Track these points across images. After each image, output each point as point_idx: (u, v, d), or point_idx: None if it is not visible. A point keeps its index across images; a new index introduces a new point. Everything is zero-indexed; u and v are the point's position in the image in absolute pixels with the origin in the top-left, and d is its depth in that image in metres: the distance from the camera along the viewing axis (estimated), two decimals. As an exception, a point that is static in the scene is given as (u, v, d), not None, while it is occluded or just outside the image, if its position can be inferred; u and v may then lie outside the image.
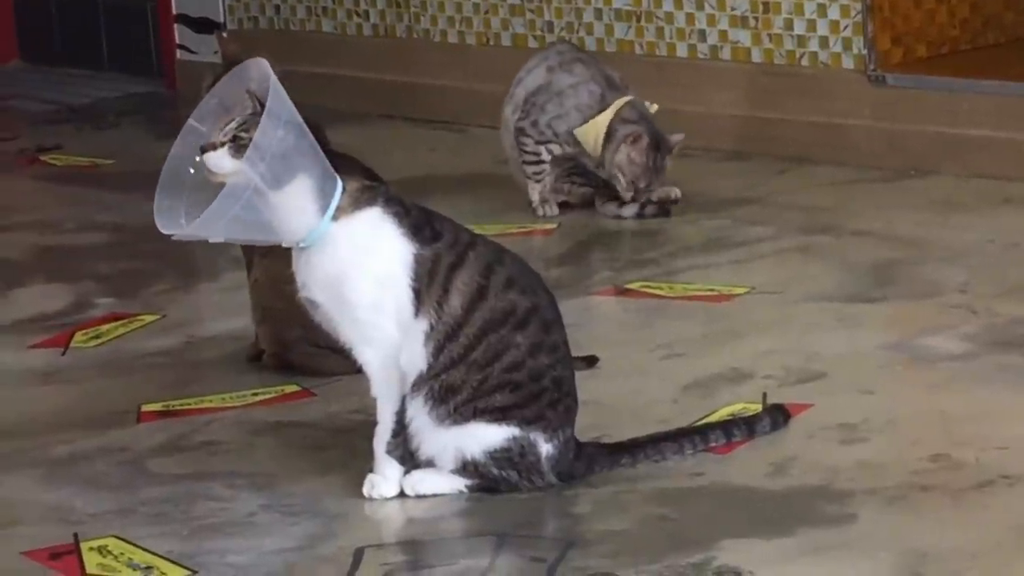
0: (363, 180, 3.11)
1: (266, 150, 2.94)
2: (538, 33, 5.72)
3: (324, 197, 2.99)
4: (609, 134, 4.58)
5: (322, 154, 3.01)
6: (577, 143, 4.64)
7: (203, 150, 2.98)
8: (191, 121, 3.07)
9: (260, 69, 3.02)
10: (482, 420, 3.04)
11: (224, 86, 3.09)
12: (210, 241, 3.09)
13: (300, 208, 2.99)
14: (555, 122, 4.65)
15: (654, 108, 4.64)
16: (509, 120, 4.73)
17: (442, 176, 5.16)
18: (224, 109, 3.05)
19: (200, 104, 3.08)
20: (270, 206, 2.98)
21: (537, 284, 3.10)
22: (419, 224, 3.04)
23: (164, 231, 3.02)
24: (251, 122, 2.96)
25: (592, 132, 4.59)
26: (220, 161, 2.96)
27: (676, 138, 4.63)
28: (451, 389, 3.03)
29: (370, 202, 3.04)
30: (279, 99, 2.96)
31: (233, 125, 2.97)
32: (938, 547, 2.80)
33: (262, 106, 2.97)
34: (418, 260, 3.02)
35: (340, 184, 3.02)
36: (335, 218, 3.00)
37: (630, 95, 4.64)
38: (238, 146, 2.95)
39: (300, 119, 2.99)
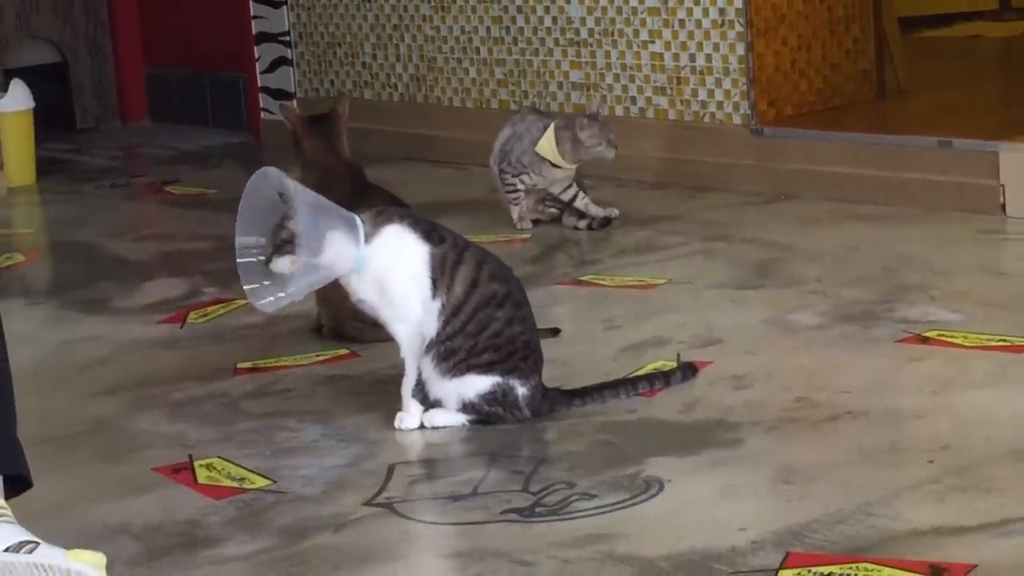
0: (375, 208, 3.08)
1: (304, 238, 2.91)
2: (517, 99, 5.72)
3: (352, 232, 2.98)
4: (559, 142, 4.58)
5: (335, 206, 2.98)
6: (541, 164, 4.61)
7: (268, 261, 2.93)
8: (239, 238, 2.98)
9: (271, 179, 2.95)
10: (474, 373, 3.03)
11: (250, 198, 2.98)
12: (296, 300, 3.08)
13: (343, 252, 2.97)
14: (522, 156, 4.64)
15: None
16: (494, 168, 4.74)
17: (450, 201, 5.15)
18: (263, 211, 2.97)
19: (239, 220, 2.98)
20: (326, 263, 2.96)
21: (510, 275, 3.10)
22: (428, 231, 3.04)
23: (261, 305, 2.99)
24: (280, 226, 2.91)
25: (547, 146, 4.59)
26: (281, 265, 2.92)
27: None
28: (451, 351, 3.02)
29: (387, 221, 3.03)
30: (294, 198, 2.92)
31: (268, 239, 2.93)
32: (802, 462, 2.80)
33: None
34: (432, 257, 3.02)
35: (357, 218, 3.00)
36: (368, 242, 2.99)
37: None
38: (284, 247, 2.92)
39: (311, 198, 2.96)
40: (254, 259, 2.97)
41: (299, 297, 3.03)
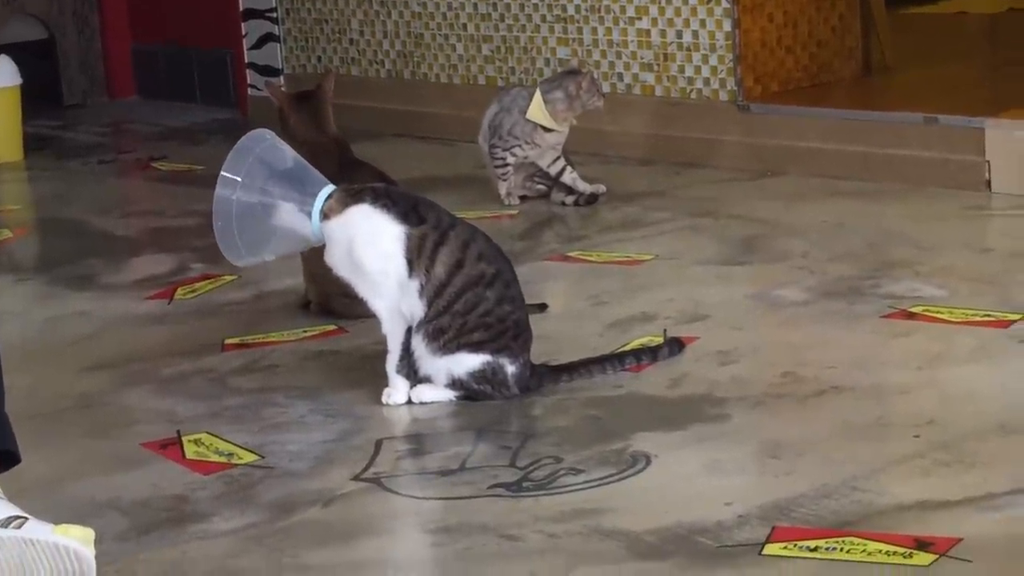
0: (351, 186, 3.09)
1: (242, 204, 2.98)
2: (504, 76, 5.71)
3: (307, 207, 2.99)
4: (549, 103, 4.58)
5: (301, 182, 3.00)
6: (533, 132, 4.60)
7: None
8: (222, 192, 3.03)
9: (263, 141, 3.03)
10: (464, 351, 3.03)
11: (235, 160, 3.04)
12: (267, 260, 3.10)
13: (297, 223, 2.99)
14: (512, 129, 4.64)
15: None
16: (483, 145, 4.74)
17: (438, 177, 5.15)
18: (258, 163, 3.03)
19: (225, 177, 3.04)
20: (284, 231, 3.00)
21: (499, 254, 3.09)
22: (406, 211, 3.03)
23: (234, 262, 3.05)
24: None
25: (537, 110, 4.58)
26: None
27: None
28: (440, 330, 3.02)
29: (358, 200, 3.03)
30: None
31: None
32: (788, 437, 2.81)
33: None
34: (408, 237, 3.01)
35: (325, 193, 3.00)
36: (326, 218, 2.99)
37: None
38: None
39: (290, 165, 2.99)
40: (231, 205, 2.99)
41: (268, 257, 3.08)
